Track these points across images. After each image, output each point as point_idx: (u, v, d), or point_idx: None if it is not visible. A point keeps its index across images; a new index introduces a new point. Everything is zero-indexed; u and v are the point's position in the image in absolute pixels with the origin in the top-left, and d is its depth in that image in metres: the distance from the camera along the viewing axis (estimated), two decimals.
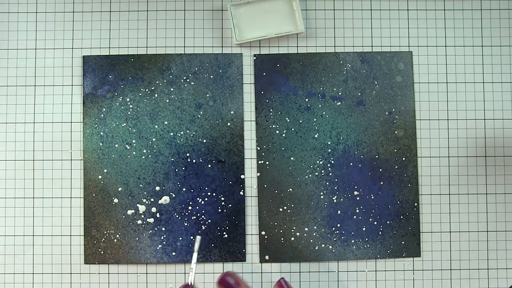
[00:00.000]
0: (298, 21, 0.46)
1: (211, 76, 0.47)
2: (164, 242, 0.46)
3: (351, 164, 0.46)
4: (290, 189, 0.46)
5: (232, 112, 0.47)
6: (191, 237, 0.46)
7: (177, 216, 0.46)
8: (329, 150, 0.46)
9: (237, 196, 0.46)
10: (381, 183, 0.46)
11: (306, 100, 0.47)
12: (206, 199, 0.46)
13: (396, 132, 0.47)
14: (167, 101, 0.46)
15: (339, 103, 0.47)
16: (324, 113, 0.47)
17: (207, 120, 0.46)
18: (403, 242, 0.46)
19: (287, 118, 0.46)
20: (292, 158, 0.46)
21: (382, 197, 0.46)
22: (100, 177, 0.46)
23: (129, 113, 0.46)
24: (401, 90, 0.47)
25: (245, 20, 0.47)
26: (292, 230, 0.46)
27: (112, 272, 0.46)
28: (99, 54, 0.47)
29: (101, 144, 0.46)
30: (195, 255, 0.34)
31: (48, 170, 0.46)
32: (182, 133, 0.46)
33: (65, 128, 0.47)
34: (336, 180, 0.46)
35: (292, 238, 0.46)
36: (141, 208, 0.46)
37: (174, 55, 0.47)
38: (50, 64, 0.47)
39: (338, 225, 0.46)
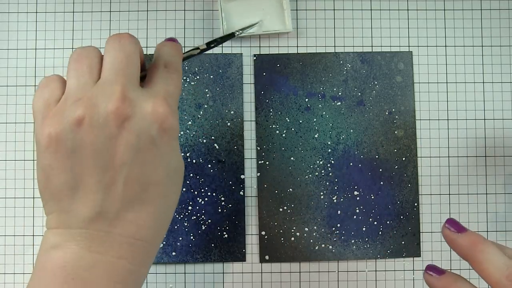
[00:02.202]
0: (287, 20, 0.46)
1: (211, 76, 0.47)
2: (164, 242, 0.46)
3: (351, 164, 0.46)
4: (290, 189, 0.46)
5: (232, 112, 0.47)
6: (191, 237, 0.46)
7: (177, 216, 0.46)
8: (329, 150, 0.46)
9: (237, 196, 0.46)
10: (381, 183, 0.46)
11: (306, 100, 0.47)
12: (206, 199, 0.46)
13: (396, 132, 0.47)
14: None
15: (339, 103, 0.47)
16: (324, 113, 0.47)
17: (207, 120, 0.46)
18: (403, 242, 0.46)
19: (287, 118, 0.46)
20: (292, 158, 0.46)
21: (382, 197, 0.46)
22: None
23: None
24: (401, 90, 0.47)
25: (235, 15, 0.47)
26: (292, 230, 0.46)
27: None
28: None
29: None
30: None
31: None
32: (182, 133, 0.46)
33: None
34: (336, 180, 0.46)
35: (292, 238, 0.46)
36: None
37: None
38: (50, 64, 0.47)
39: (338, 225, 0.46)
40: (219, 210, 0.46)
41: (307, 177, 0.46)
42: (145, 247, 0.28)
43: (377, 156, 0.46)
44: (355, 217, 0.46)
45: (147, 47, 0.47)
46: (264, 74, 0.47)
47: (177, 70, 0.30)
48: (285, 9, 0.46)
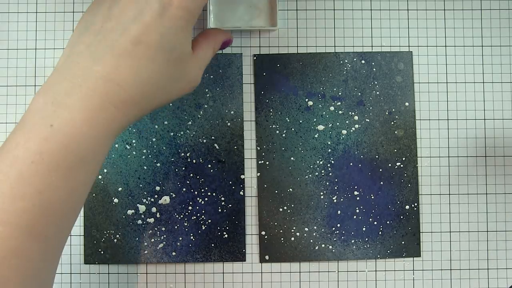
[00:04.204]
0: (275, 17, 0.45)
1: (211, 76, 0.47)
2: (164, 242, 0.46)
3: (351, 164, 0.46)
4: (290, 189, 0.46)
5: (232, 112, 0.47)
6: (191, 237, 0.46)
7: (177, 216, 0.46)
8: (329, 150, 0.46)
9: (237, 196, 0.46)
10: (381, 183, 0.46)
11: (306, 100, 0.47)
12: (206, 199, 0.46)
13: (396, 132, 0.47)
14: None
15: (339, 103, 0.47)
16: (324, 113, 0.47)
17: (207, 120, 0.46)
18: (403, 242, 0.46)
19: (287, 118, 0.46)
20: (292, 158, 0.46)
21: (382, 197, 0.46)
22: (100, 177, 0.46)
23: None
24: (401, 90, 0.47)
25: (223, 8, 0.46)
26: (292, 230, 0.46)
27: (112, 272, 0.46)
28: None
29: None
30: None
31: None
32: (182, 133, 0.46)
33: None
34: (336, 180, 0.46)
35: (292, 238, 0.46)
36: (141, 208, 0.46)
37: None
38: (50, 64, 0.47)
39: (338, 225, 0.46)
40: (219, 210, 0.46)
41: (307, 177, 0.46)
42: (120, 97, 0.27)
43: (377, 156, 0.46)
44: (355, 217, 0.46)
45: None
46: (264, 74, 0.47)
47: None
48: (274, 6, 0.46)
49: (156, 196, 0.46)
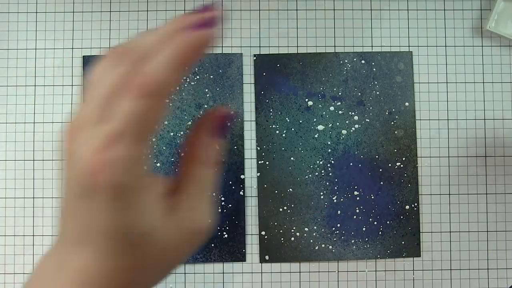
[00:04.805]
0: None
1: (211, 76, 0.47)
2: None
3: (351, 164, 0.46)
4: (290, 189, 0.46)
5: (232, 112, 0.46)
6: None
7: None
8: (329, 150, 0.46)
9: (237, 196, 0.46)
10: (381, 183, 0.46)
11: (306, 100, 0.47)
12: None
13: (396, 132, 0.47)
14: (167, 101, 0.46)
15: (339, 103, 0.47)
16: (324, 113, 0.47)
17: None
18: (403, 242, 0.46)
19: (287, 118, 0.46)
20: (292, 158, 0.46)
21: (382, 197, 0.46)
22: None
23: None
24: (401, 90, 0.47)
25: (508, 15, 0.44)
26: (292, 230, 0.46)
27: None
28: (99, 54, 0.47)
29: None
30: None
31: (48, 170, 0.46)
32: (182, 133, 0.46)
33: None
34: (336, 180, 0.46)
35: (292, 238, 0.46)
36: None
37: None
38: (50, 64, 0.47)
39: (338, 225, 0.46)
40: (219, 210, 0.46)
41: (307, 177, 0.46)
42: None
43: (377, 156, 0.46)
44: (355, 217, 0.46)
45: None
46: (264, 74, 0.47)
47: None
48: None
49: None
